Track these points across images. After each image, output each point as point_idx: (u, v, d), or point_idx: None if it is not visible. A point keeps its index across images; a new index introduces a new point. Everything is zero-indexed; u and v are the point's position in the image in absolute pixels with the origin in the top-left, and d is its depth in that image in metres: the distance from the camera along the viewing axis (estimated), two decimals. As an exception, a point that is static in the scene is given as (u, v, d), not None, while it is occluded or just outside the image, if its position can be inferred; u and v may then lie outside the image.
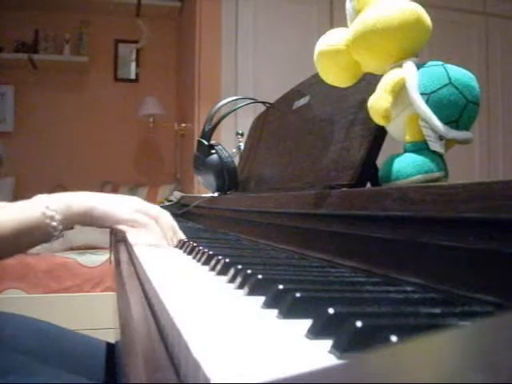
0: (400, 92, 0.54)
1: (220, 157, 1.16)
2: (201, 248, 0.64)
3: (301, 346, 0.28)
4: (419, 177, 0.52)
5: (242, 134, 1.56)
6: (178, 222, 1.13)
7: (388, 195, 0.45)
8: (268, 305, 0.36)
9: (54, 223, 0.67)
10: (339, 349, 0.25)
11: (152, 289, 0.44)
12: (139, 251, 0.69)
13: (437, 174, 0.52)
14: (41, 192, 0.74)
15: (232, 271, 0.48)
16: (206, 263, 0.58)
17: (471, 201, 0.34)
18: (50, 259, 2.35)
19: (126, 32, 3.63)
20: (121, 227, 0.74)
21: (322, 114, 0.83)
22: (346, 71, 0.62)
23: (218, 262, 0.54)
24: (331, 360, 0.25)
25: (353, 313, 0.29)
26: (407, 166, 0.53)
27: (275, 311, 0.34)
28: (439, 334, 0.16)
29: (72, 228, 0.73)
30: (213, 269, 0.54)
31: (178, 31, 3.67)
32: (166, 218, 0.76)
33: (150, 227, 0.72)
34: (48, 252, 2.44)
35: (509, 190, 0.31)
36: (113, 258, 0.85)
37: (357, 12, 0.59)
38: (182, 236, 0.80)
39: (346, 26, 0.62)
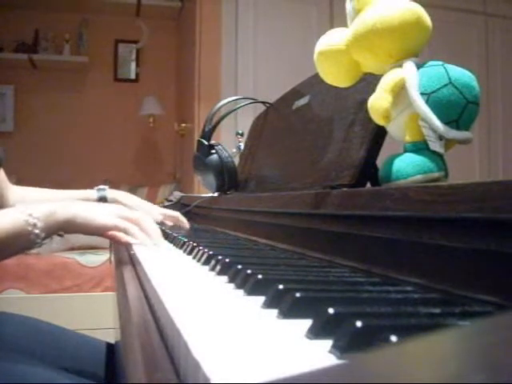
0: (400, 92, 0.54)
1: (220, 157, 1.16)
2: (201, 248, 0.64)
3: (301, 345, 0.28)
4: (419, 177, 0.52)
5: (241, 134, 1.56)
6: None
7: (388, 195, 0.45)
8: (268, 305, 0.36)
9: (37, 231, 0.68)
10: (339, 349, 0.25)
11: (152, 289, 0.44)
12: (139, 251, 0.69)
13: (437, 174, 0.52)
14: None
15: (232, 271, 0.48)
16: (206, 263, 0.58)
17: (471, 201, 0.34)
18: (50, 259, 2.34)
19: (126, 32, 3.63)
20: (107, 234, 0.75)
21: (322, 114, 0.83)
22: (346, 71, 0.62)
23: (217, 262, 0.54)
24: (331, 360, 0.25)
25: (353, 313, 0.29)
26: (407, 166, 0.53)
27: (275, 311, 0.34)
28: (439, 333, 0.16)
29: (61, 235, 0.75)
30: (213, 269, 0.54)
31: (178, 31, 3.67)
32: (147, 222, 0.76)
33: (130, 230, 0.72)
34: (48, 252, 2.44)
35: (509, 189, 0.31)
36: (113, 258, 0.86)
37: (357, 12, 0.59)
38: (165, 244, 0.81)
39: (346, 26, 0.62)
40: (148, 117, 3.49)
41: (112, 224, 0.72)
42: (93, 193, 1.07)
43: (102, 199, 1.07)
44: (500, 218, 0.32)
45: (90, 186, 1.04)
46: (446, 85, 0.52)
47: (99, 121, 3.59)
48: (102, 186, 1.08)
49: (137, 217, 0.75)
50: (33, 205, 0.71)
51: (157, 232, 0.76)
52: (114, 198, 1.09)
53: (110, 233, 0.73)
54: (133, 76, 3.71)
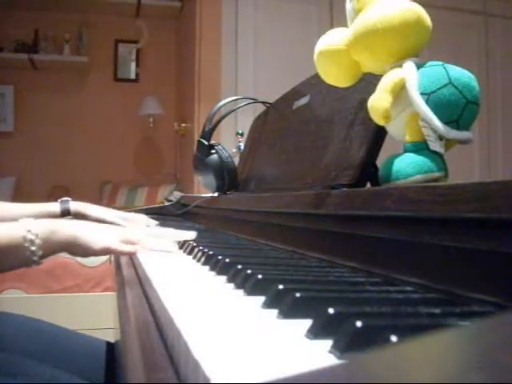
0: (400, 92, 0.54)
1: (220, 157, 1.16)
2: (201, 248, 0.64)
3: (301, 345, 0.28)
4: (419, 177, 0.52)
5: (241, 134, 1.56)
6: (178, 222, 1.13)
7: (388, 195, 0.45)
8: (268, 305, 0.36)
9: (34, 248, 0.67)
10: (339, 349, 0.25)
11: (152, 289, 0.44)
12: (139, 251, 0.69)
13: (437, 174, 0.52)
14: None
15: (232, 271, 0.48)
16: (205, 263, 0.58)
17: (471, 201, 0.34)
18: (50, 259, 2.34)
19: (125, 32, 3.63)
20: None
21: (321, 114, 0.83)
22: (346, 71, 0.62)
23: (217, 261, 0.54)
24: (331, 360, 0.25)
25: (353, 313, 0.29)
26: (407, 166, 0.53)
27: (275, 311, 0.34)
28: (439, 333, 0.16)
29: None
30: (213, 269, 0.54)
31: (178, 31, 3.67)
32: (150, 243, 0.73)
33: (134, 254, 0.70)
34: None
35: (509, 189, 0.31)
36: (113, 258, 0.85)
37: (357, 12, 0.59)
38: (189, 235, 0.79)
39: (346, 26, 0.62)
40: (148, 117, 3.49)
41: (114, 248, 0.70)
42: (56, 205, 1.05)
43: (65, 212, 1.06)
44: (500, 218, 0.32)
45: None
46: (445, 85, 0.52)
47: (99, 121, 3.59)
48: (65, 198, 1.05)
49: (139, 238, 0.74)
50: (37, 221, 0.70)
51: (163, 248, 0.74)
52: (77, 210, 1.07)
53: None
54: (133, 76, 3.71)
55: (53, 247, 0.69)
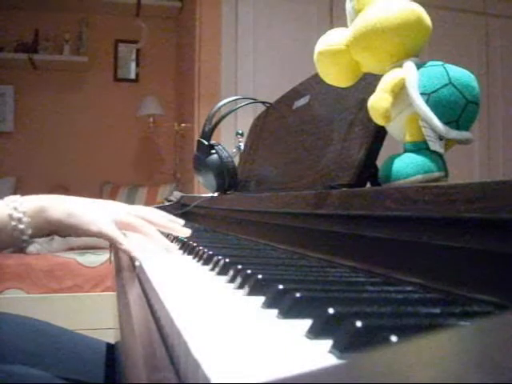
0: (400, 92, 0.54)
1: (220, 157, 1.16)
2: (201, 248, 0.64)
3: (301, 345, 0.28)
4: (419, 177, 0.52)
5: (242, 134, 1.56)
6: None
7: (388, 195, 0.45)
8: (268, 305, 0.36)
9: (22, 226, 0.62)
10: (339, 349, 0.25)
11: (152, 289, 0.44)
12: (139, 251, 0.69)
13: (437, 174, 0.52)
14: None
15: (232, 271, 0.48)
16: (206, 263, 0.58)
17: (471, 201, 0.34)
18: (50, 259, 2.35)
19: (126, 32, 3.63)
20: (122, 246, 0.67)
21: (322, 113, 0.83)
22: (345, 71, 0.62)
23: (217, 261, 0.54)
24: (331, 360, 0.25)
25: (353, 313, 0.29)
26: (407, 166, 0.53)
27: (275, 311, 0.34)
28: (439, 333, 0.16)
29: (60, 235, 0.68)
30: (213, 269, 0.54)
31: (178, 31, 3.67)
32: (147, 228, 0.70)
33: (128, 243, 0.66)
34: (48, 252, 2.44)
35: (509, 190, 0.31)
36: (113, 258, 0.85)
37: (357, 12, 0.59)
38: (181, 221, 0.78)
39: (346, 26, 0.62)
40: (148, 117, 3.49)
41: (106, 234, 0.65)
42: None
43: None
44: (500, 218, 0.32)
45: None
46: (445, 85, 0.52)
47: (99, 121, 3.59)
48: None
49: (134, 221, 0.71)
50: (25, 197, 0.65)
51: (159, 237, 0.72)
52: None
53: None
54: (133, 76, 3.71)
55: (43, 225, 0.65)
